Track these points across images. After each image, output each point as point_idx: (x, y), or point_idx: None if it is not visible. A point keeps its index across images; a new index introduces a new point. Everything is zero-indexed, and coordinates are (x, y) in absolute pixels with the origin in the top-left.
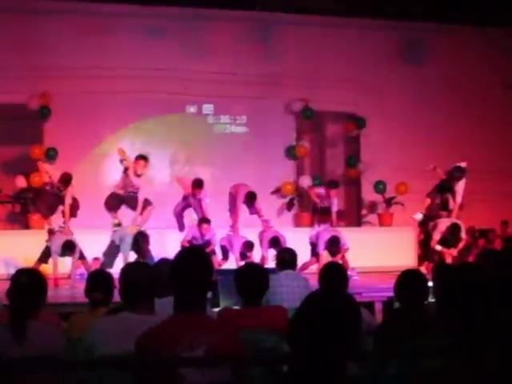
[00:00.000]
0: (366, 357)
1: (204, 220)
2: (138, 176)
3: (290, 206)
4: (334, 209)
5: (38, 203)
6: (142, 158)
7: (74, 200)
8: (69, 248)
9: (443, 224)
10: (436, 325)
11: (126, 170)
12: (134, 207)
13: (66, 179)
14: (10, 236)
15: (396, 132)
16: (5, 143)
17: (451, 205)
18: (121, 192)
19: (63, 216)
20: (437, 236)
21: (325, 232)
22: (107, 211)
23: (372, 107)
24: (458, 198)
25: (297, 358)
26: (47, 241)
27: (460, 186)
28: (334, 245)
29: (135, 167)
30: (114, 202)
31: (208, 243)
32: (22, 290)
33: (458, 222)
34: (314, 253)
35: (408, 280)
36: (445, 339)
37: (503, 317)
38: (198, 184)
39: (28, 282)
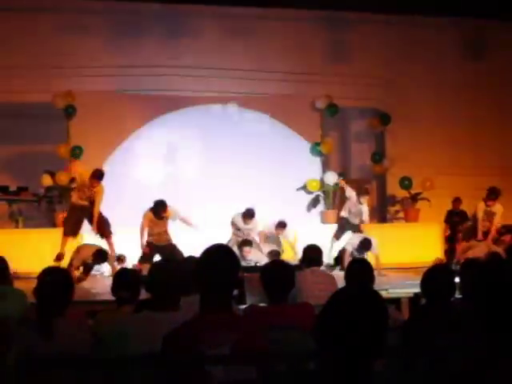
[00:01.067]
0: (392, 354)
1: (244, 242)
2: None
3: (315, 202)
4: (365, 218)
5: (64, 219)
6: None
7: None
8: (102, 257)
9: (480, 250)
10: (462, 321)
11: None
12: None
13: (100, 174)
14: (36, 234)
15: (421, 128)
16: (31, 142)
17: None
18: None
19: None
20: None
21: (356, 237)
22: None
23: (397, 103)
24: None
25: (323, 354)
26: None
27: (498, 208)
28: (365, 248)
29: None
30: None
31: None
32: (48, 288)
33: (497, 250)
34: None
35: (434, 276)
36: (471, 336)
37: None
38: (249, 215)
39: (54, 279)
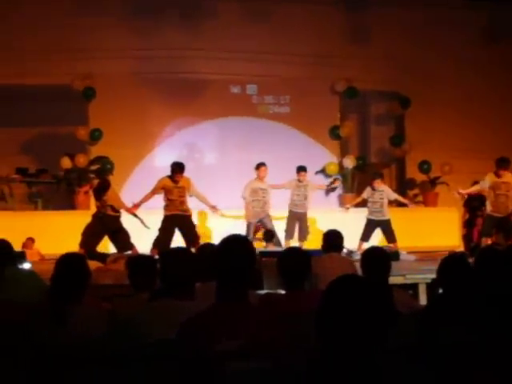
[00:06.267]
0: (406, 344)
1: (269, 236)
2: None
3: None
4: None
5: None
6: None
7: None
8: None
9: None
10: (478, 311)
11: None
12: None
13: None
14: (55, 216)
15: (441, 111)
16: (50, 124)
17: None
18: None
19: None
20: None
21: None
22: None
23: (417, 86)
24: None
25: (323, 344)
26: None
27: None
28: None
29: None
30: None
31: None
32: (63, 276)
33: None
34: None
35: (451, 265)
36: (485, 326)
37: None
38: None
39: (70, 267)
